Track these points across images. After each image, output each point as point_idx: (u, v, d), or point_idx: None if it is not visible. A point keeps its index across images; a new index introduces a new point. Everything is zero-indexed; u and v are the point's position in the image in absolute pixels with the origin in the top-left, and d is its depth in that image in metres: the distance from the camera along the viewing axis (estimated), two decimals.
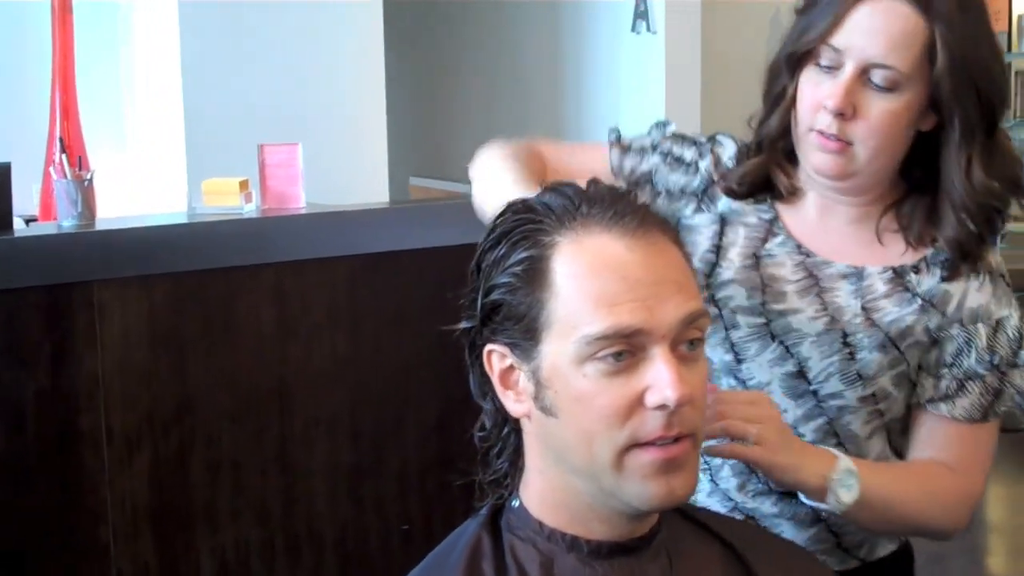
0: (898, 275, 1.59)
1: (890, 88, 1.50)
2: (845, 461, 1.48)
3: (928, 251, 1.59)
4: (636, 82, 4.95)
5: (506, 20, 5.89)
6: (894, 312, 1.57)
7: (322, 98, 3.70)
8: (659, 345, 1.19)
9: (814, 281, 1.60)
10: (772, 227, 1.65)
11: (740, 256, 1.64)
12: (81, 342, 2.44)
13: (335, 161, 3.60)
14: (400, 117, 5.55)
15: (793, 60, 1.56)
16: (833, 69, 1.52)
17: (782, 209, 1.66)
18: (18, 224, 2.81)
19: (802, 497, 1.51)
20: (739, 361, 1.63)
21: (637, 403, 1.20)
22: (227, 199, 2.79)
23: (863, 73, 1.50)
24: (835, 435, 1.60)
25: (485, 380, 1.31)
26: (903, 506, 1.55)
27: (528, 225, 1.25)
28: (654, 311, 1.19)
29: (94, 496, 2.49)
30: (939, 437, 1.61)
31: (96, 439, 2.47)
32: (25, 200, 3.43)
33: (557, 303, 1.21)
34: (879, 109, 1.51)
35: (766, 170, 1.64)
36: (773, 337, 1.60)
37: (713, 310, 1.63)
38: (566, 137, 5.54)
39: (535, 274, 1.22)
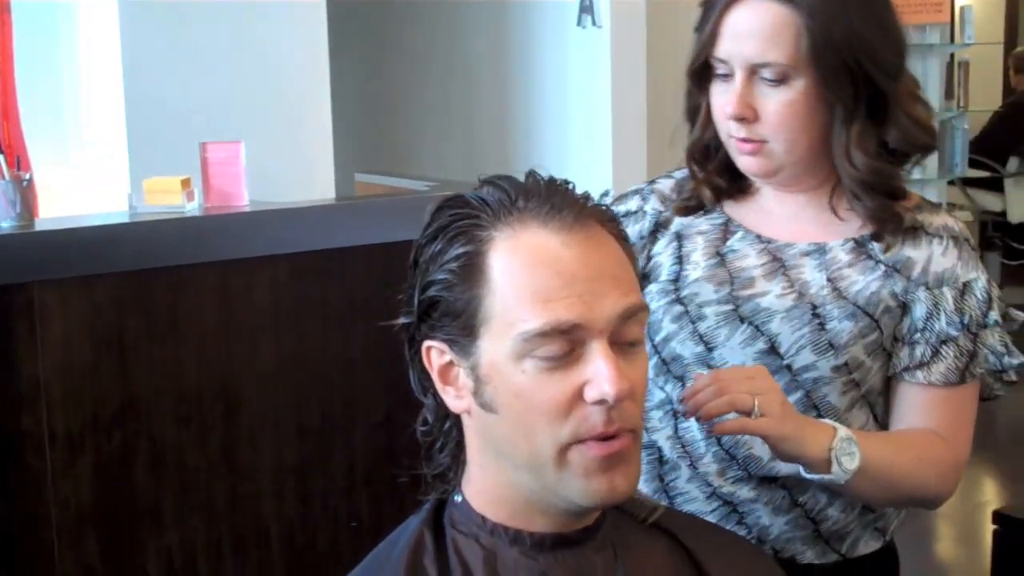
0: (859, 245, 1.63)
1: (781, 80, 1.54)
2: (843, 430, 1.50)
3: None
4: (582, 76, 4.96)
5: (452, 14, 5.87)
6: (860, 281, 1.60)
7: (266, 95, 3.68)
8: (597, 340, 1.19)
9: (779, 263, 1.63)
10: (728, 227, 1.68)
11: (704, 256, 1.66)
12: (22, 344, 2.42)
13: (280, 158, 3.57)
14: (346, 113, 5.53)
15: (696, 76, 1.63)
16: (728, 77, 1.58)
17: (735, 210, 1.70)
18: None
19: (803, 472, 1.51)
20: (710, 349, 1.64)
21: (577, 398, 1.19)
22: (169, 198, 2.77)
23: (753, 74, 1.55)
24: (815, 408, 1.61)
25: (425, 376, 1.30)
26: (900, 473, 1.57)
27: (464, 220, 1.24)
28: (591, 306, 1.19)
29: (37, 498, 2.46)
30: (919, 405, 1.63)
31: (38, 441, 2.45)
32: None
33: (494, 299, 1.20)
34: (776, 104, 1.55)
35: (710, 179, 1.69)
36: (742, 320, 1.62)
37: (678, 308, 1.65)
38: (513, 133, 5.53)
39: (471, 270, 1.21)
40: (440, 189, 3.30)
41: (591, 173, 4.53)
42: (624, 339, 1.22)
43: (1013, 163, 7.75)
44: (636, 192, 1.78)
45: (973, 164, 7.10)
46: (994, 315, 1.63)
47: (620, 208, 1.76)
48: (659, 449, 1.69)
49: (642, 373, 1.25)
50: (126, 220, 2.74)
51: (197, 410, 2.60)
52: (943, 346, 1.61)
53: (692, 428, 1.65)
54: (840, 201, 1.64)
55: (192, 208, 2.80)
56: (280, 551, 2.71)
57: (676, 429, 1.67)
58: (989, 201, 7.94)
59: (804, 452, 1.48)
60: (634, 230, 1.72)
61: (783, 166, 1.60)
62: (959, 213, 8.00)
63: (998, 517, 2.50)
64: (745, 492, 1.64)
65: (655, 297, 1.68)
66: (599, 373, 1.18)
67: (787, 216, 1.67)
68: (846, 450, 1.48)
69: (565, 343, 1.19)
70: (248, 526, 2.68)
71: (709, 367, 1.63)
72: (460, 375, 1.25)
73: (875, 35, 1.55)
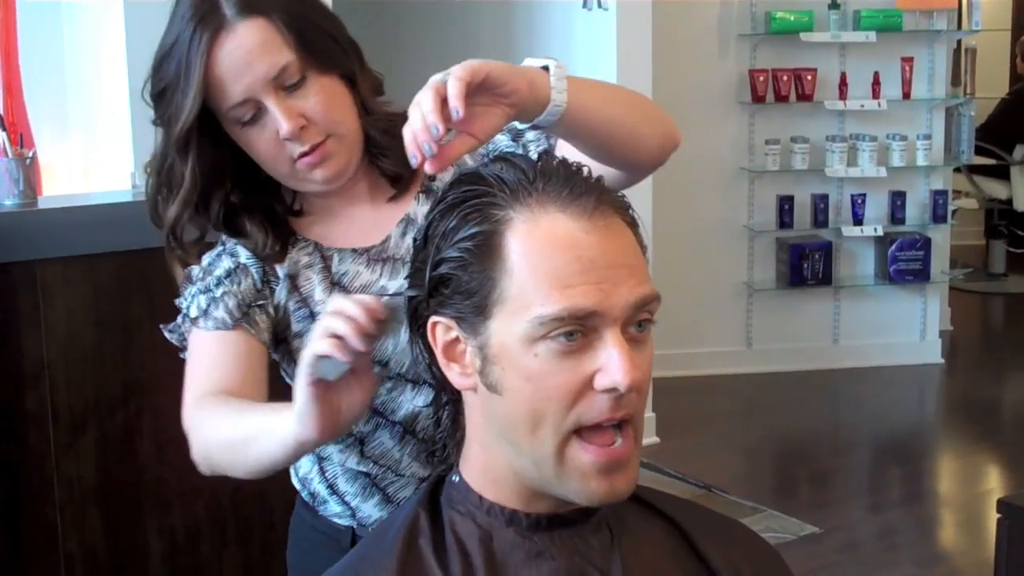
0: (426, 192, 1.67)
1: (303, 77, 1.54)
2: (552, 65, 1.44)
3: None
4: (588, 59, 4.95)
5: None
6: None
7: None
8: (611, 328, 1.19)
9: (392, 260, 1.65)
10: (323, 252, 1.66)
11: (325, 293, 1.64)
12: (24, 322, 2.42)
13: None
14: None
15: (181, 145, 1.55)
16: (257, 114, 1.54)
17: (315, 233, 1.67)
18: None
19: (540, 120, 1.40)
20: (384, 364, 1.62)
21: (586, 385, 1.19)
22: None
23: (277, 91, 1.53)
24: None
25: (428, 350, 1.29)
26: (621, 112, 1.50)
27: (481, 199, 1.23)
28: (608, 294, 1.18)
29: (40, 477, 2.47)
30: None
31: (41, 420, 2.46)
32: None
33: (510, 281, 1.19)
34: (315, 98, 1.55)
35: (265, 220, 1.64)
36: None
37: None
38: None
39: (487, 250, 1.21)
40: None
41: None
42: (634, 326, 1.22)
43: (1020, 151, 7.74)
44: (219, 254, 1.67)
45: (979, 151, 7.10)
46: None
47: (217, 272, 1.64)
48: (362, 474, 1.70)
49: (649, 362, 1.24)
50: (129, 199, 2.74)
51: None
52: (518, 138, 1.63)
53: (381, 442, 1.66)
54: (374, 163, 1.65)
55: None
56: (281, 531, 2.71)
57: (363, 452, 1.68)
58: (995, 188, 7.93)
59: (521, 77, 1.39)
60: (248, 284, 1.64)
61: (352, 154, 1.60)
62: (964, 200, 8.01)
63: (1002, 506, 2.50)
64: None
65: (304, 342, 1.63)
66: (612, 362, 1.18)
67: (362, 216, 1.67)
68: (559, 85, 1.41)
69: (579, 329, 1.18)
70: (251, 506, 2.69)
71: (390, 378, 1.63)
72: (467, 353, 1.24)
73: (323, 19, 1.60)
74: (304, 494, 1.78)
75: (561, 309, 1.17)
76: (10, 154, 2.65)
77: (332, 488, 1.73)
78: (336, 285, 1.64)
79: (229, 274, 1.65)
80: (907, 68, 5.87)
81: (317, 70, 1.56)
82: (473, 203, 1.23)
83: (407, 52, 6.26)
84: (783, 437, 5.28)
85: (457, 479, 1.32)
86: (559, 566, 1.26)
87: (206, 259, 1.67)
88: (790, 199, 5.91)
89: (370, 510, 1.71)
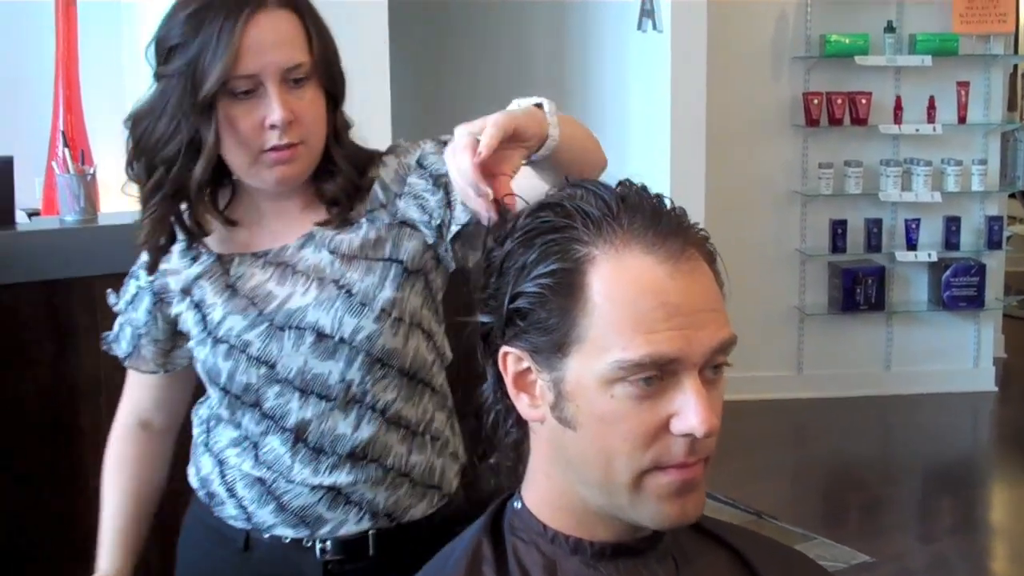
0: (335, 217, 1.72)
1: (306, 79, 1.64)
2: (545, 104, 1.53)
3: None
4: (642, 81, 4.94)
5: (512, 20, 5.87)
6: (354, 237, 1.71)
7: None
8: (689, 372, 1.17)
9: (284, 266, 1.72)
10: (222, 262, 1.74)
11: (217, 295, 1.73)
12: (82, 338, 2.43)
13: None
14: (405, 120, 5.53)
15: (205, 106, 1.60)
16: (249, 93, 1.61)
17: (217, 246, 1.74)
18: (21, 218, 2.81)
19: (535, 156, 1.51)
20: (272, 366, 1.70)
21: (662, 428, 1.17)
22: None
23: (283, 81, 1.62)
24: (379, 361, 1.70)
25: (497, 378, 1.27)
26: (582, 140, 1.64)
27: (561, 232, 1.20)
28: (690, 340, 1.16)
29: (96, 493, 2.48)
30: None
31: (96, 436, 2.46)
32: (28, 194, 3.42)
33: (591, 321, 1.17)
34: (307, 102, 1.64)
35: (169, 224, 1.72)
36: (283, 329, 1.69)
37: (223, 346, 1.71)
38: None
39: (568, 288, 1.18)
40: None
41: (650, 179, 4.46)
42: (710, 369, 1.20)
43: None
44: (129, 276, 1.83)
45: None
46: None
47: (126, 297, 1.83)
48: (257, 480, 1.75)
49: (721, 403, 1.22)
50: None
51: None
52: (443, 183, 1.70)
53: (273, 448, 1.73)
54: (309, 185, 1.72)
55: None
56: None
57: (257, 456, 1.74)
58: None
59: (534, 121, 1.49)
60: (142, 310, 1.80)
61: (310, 166, 1.68)
62: (1020, 227, 7.93)
63: None
64: (343, 477, 1.72)
65: (199, 349, 1.74)
66: (690, 408, 1.16)
67: (279, 225, 1.74)
68: (554, 111, 1.52)
69: (658, 373, 1.16)
70: None
71: (278, 381, 1.70)
72: (538, 385, 1.22)
73: (333, 40, 1.71)
74: (202, 493, 1.84)
75: (644, 355, 1.15)
76: (72, 170, 2.67)
77: (231, 491, 1.78)
78: (229, 288, 1.72)
79: (132, 299, 1.82)
80: (963, 92, 5.82)
81: (317, 81, 1.66)
82: (553, 236, 1.20)
83: (457, 70, 6.27)
84: (834, 464, 5.24)
85: (519, 506, 1.30)
86: None
87: (124, 283, 1.83)
88: (843, 223, 5.87)
89: (266, 516, 1.75)
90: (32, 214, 3.26)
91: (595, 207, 1.20)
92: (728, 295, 1.24)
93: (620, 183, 1.24)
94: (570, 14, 5.50)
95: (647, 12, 4.74)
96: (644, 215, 1.20)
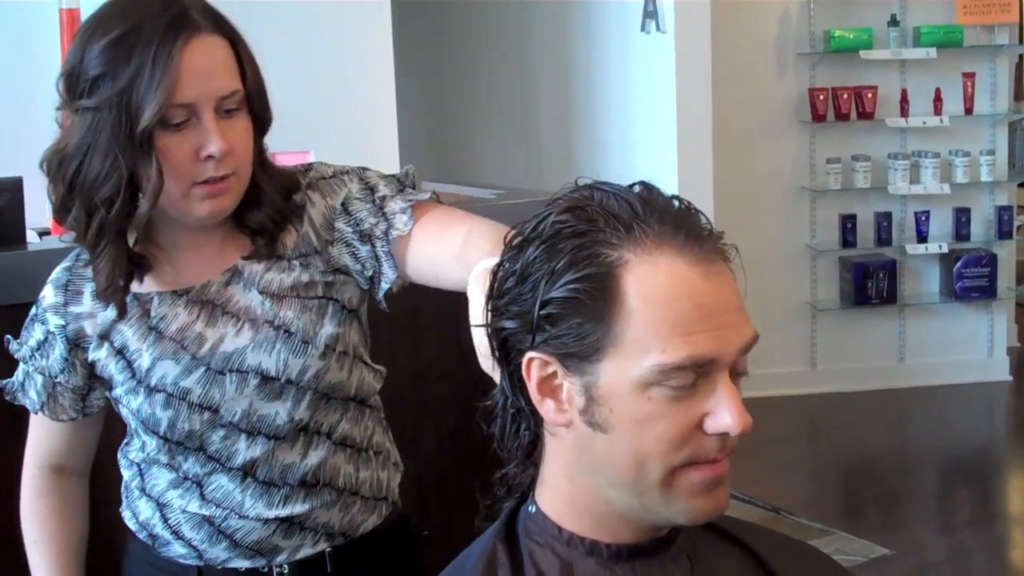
0: (261, 250, 1.66)
1: (239, 108, 1.57)
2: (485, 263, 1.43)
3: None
4: (647, 82, 4.95)
5: (515, 22, 5.89)
6: (285, 277, 1.65)
7: (333, 105, 3.69)
8: (721, 372, 1.18)
9: (211, 306, 1.64)
10: (140, 302, 1.64)
11: (140, 340, 1.63)
12: None
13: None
14: (410, 121, 5.55)
15: (144, 138, 1.50)
16: (186, 122, 1.53)
17: (135, 287, 1.64)
18: (32, 237, 2.81)
19: None
20: (215, 410, 1.64)
21: (696, 426, 1.18)
22: None
23: (217, 110, 1.54)
24: (326, 396, 1.68)
25: (518, 381, 1.25)
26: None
27: (587, 237, 1.19)
28: (724, 340, 1.17)
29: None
30: (431, 234, 1.64)
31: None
32: (39, 213, 3.43)
33: (627, 325, 1.17)
34: (240, 131, 1.57)
35: (125, 262, 1.61)
36: (222, 372, 1.63)
37: (160, 396, 1.63)
38: (576, 139, 5.53)
39: (602, 292, 1.17)
40: (508, 198, 3.29)
41: (657, 180, 4.48)
42: (738, 368, 1.21)
43: None
44: (32, 320, 1.72)
45: None
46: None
47: (30, 343, 1.71)
48: (205, 520, 1.70)
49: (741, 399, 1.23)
50: None
51: None
52: (382, 208, 1.65)
53: (220, 485, 1.67)
54: (234, 219, 1.64)
55: None
56: None
57: (203, 495, 1.68)
58: None
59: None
60: (56, 357, 1.68)
61: (239, 197, 1.61)
62: None
63: None
64: (298, 507, 1.69)
65: (129, 398, 1.65)
66: (723, 407, 1.17)
67: (200, 259, 1.65)
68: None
69: (693, 374, 1.17)
70: None
71: (222, 426, 1.64)
72: (565, 389, 1.22)
73: (257, 65, 1.63)
74: (142, 535, 1.76)
75: (684, 358, 1.15)
76: None
77: (176, 534, 1.72)
78: (153, 330, 1.63)
79: (40, 345, 1.70)
80: (969, 83, 5.82)
81: (247, 110, 1.59)
82: (579, 241, 1.19)
83: (461, 72, 6.29)
84: (850, 458, 5.24)
85: (533, 509, 1.30)
86: None
87: (25, 328, 1.72)
88: (852, 218, 5.88)
89: (219, 553, 1.71)
90: (43, 233, 3.27)
91: (620, 209, 1.20)
92: (742, 293, 1.25)
93: (641, 184, 1.24)
94: (573, 16, 5.51)
95: (650, 13, 4.76)
96: (671, 216, 1.20)
